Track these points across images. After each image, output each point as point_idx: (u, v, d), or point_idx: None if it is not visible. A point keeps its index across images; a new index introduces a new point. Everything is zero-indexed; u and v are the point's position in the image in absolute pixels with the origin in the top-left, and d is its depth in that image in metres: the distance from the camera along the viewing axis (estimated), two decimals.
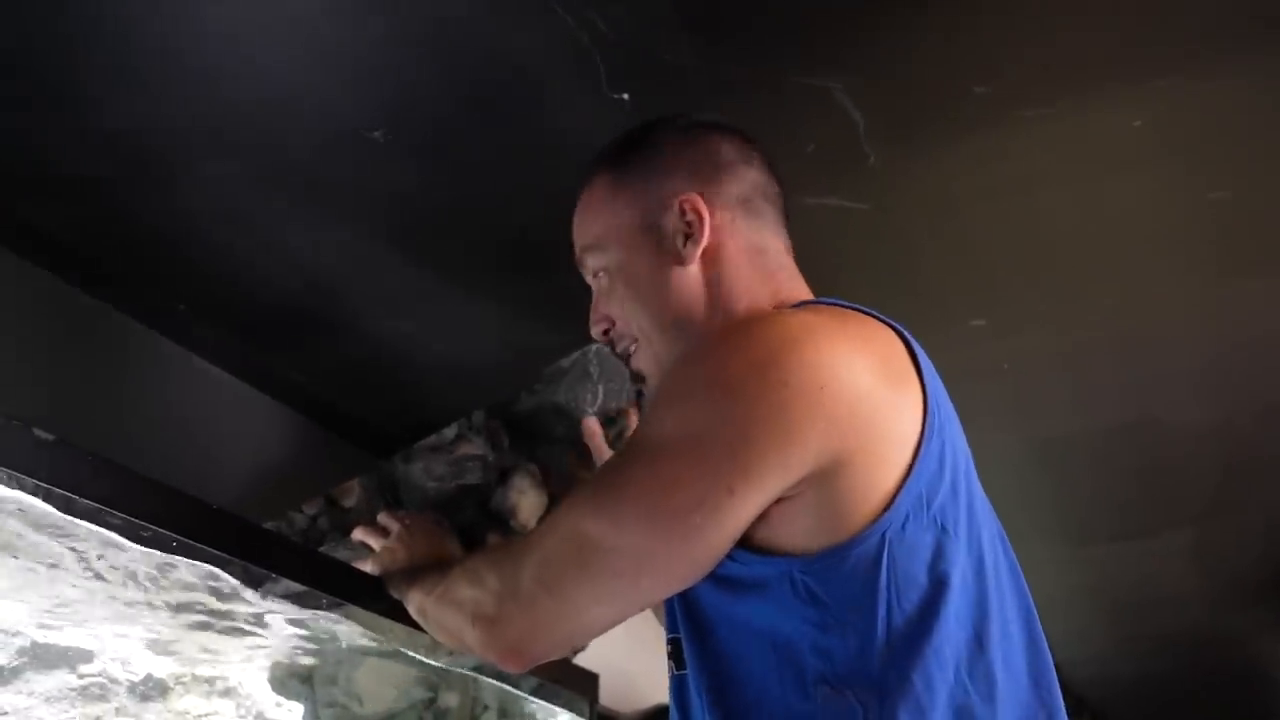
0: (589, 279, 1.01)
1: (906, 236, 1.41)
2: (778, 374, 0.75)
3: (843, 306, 0.88)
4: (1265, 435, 2.05)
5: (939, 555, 0.77)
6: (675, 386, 0.81)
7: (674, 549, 0.76)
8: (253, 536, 0.99)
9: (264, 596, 1.01)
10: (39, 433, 0.79)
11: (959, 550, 0.79)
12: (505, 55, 1.08)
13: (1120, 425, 1.98)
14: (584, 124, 1.17)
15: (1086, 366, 1.77)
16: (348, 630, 1.12)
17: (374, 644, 1.18)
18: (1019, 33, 1.10)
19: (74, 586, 0.94)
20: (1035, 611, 0.89)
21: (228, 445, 1.54)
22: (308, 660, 1.26)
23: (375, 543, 1.10)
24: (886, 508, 0.76)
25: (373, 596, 1.06)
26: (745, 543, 0.79)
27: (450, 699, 1.42)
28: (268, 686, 1.27)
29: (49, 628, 1.04)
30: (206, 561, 0.93)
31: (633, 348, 0.97)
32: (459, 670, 1.31)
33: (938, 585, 0.76)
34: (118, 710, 1.10)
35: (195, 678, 1.19)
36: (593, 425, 1.15)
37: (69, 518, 0.81)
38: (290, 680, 1.28)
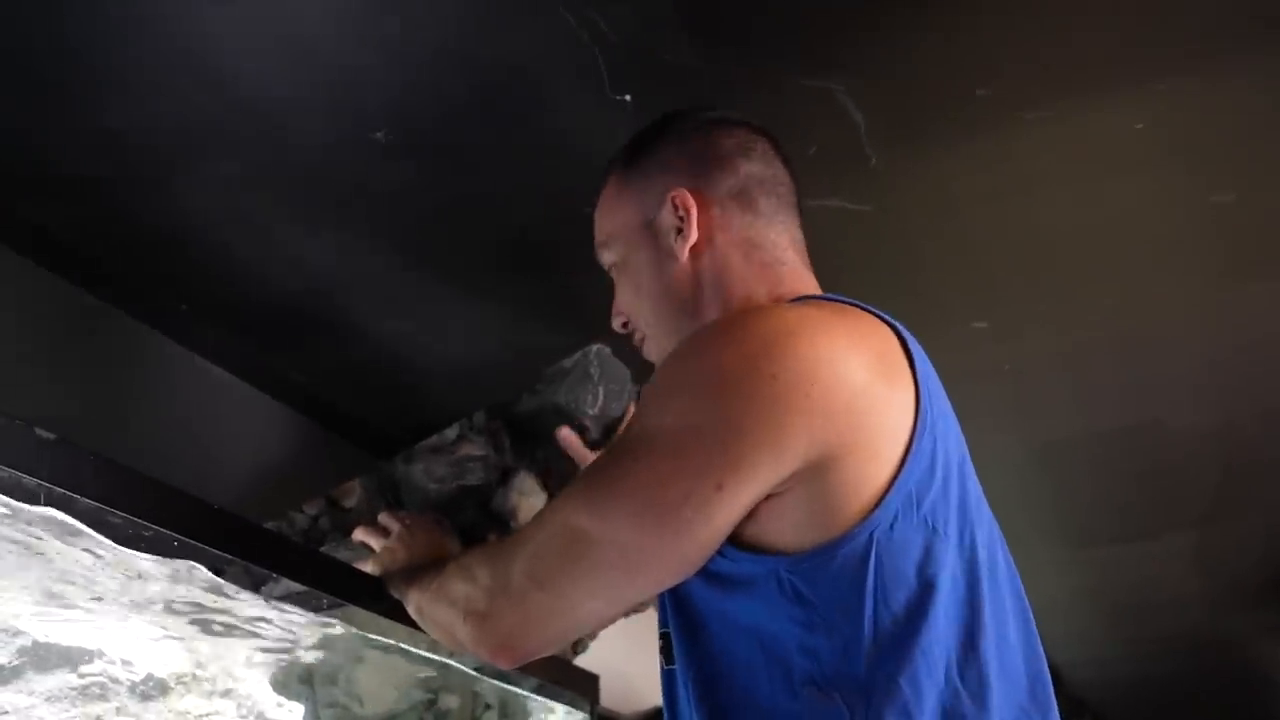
0: (608, 272, 1.02)
1: (908, 238, 1.41)
2: (769, 368, 0.75)
3: (840, 301, 0.87)
4: (1266, 438, 2.05)
5: (928, 556, 0.77)
6: (666, 381, 0.81)
7: (664, 543, 0.76)
8: (253, 536, 0.99)
9: (265, 596, 1.01)
10: (40, 432, 0.79)
11: (949, 551, 0.78)
12: (507, 57, 1.08)
13: (1121, 427, 1.98)
14: (586, 125, 1.17)
15: (1087, 368, 1.77)
16: (348, 630, 1.12)
17: (375, 644, 1.18)
18: (1020, 34, 1.10)
19: (75, 586, 0.94)
20: (1031, 613, 0.88)
21: (228, 445, 1.54)
22: (308, 660, 1.26)
23: (376, 543, 1.10)
24: (875, 506, 0.75)
25: (373, 597, 1.06)
26: (734, 539, 0.78)
27: (451, 699, 1.42)
28: (268, 687, 1.27)
29: (50, 627, 1.03)
30: (207, 561, 0.93)
31: (643, 343, 0.98)
32: (460, 670, 1.31)
33: (926, 586, 0.76)
34: (118, 710, 1.09)
35: (196, 677, 1.18)
36: (566, 434, 1.15)
37: (70, 518, 0.81)
38: (291, 680, 1.28)
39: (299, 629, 1.11)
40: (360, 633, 1.13)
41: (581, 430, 1.18)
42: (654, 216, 0.94)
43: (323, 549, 1.21)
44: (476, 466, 1.25)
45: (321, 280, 1.42)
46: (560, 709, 1.49)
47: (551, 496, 1.31)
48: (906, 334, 0.84)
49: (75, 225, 1.28)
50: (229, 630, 1.09)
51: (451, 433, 1.28)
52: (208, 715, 1.19)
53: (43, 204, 1.25)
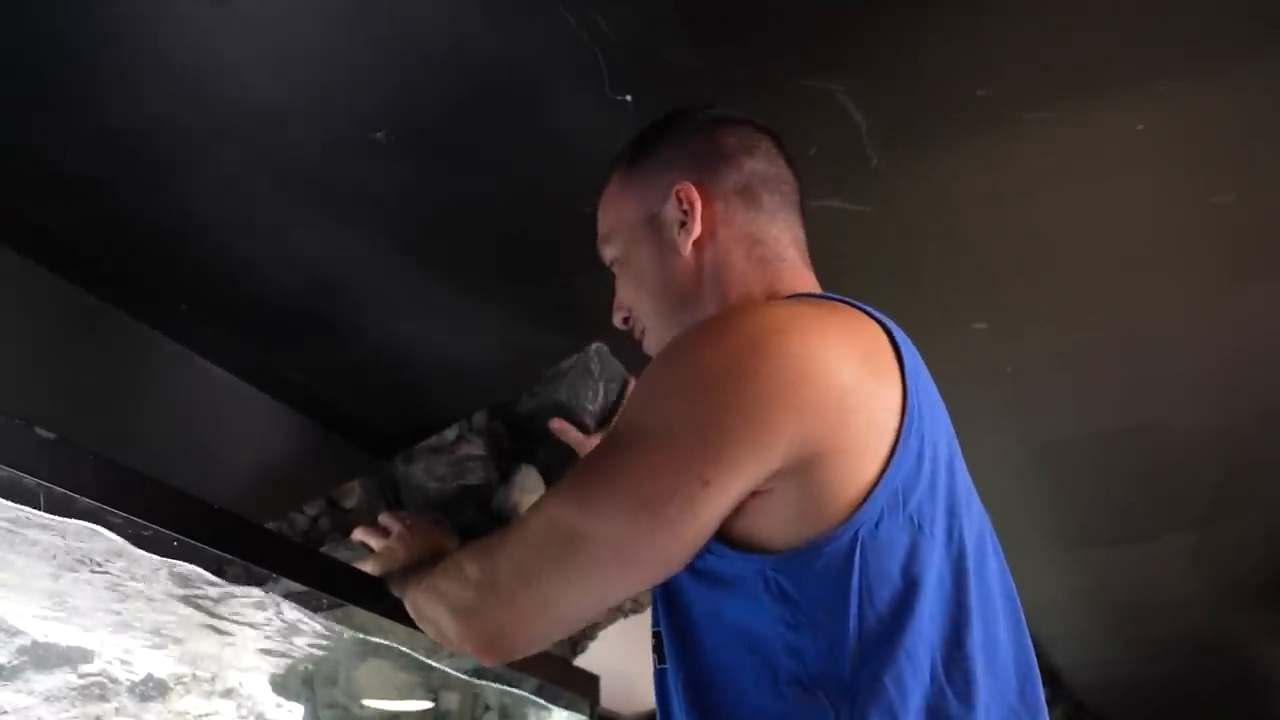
0: (609, 267, 1.02)
1: (908, 239, 1.41)
2: (754, 365, 0.75)
3: (831, 299, 0.88)
4: (1266, 439, 2.05)
5: (913, 554, 0.76)
6: (655, 378, 0.81)
7: (651, 539, 0.76)
8: (254, 536, 0.99)
9: (265, 596, 1.01)
10: (40, 431, 0.79)
11: (935, 549, 0.78)
12: (508, 56, 1.08)
13: (1122, 429, 1.98)
14: (586, 125, 1.17)
15: (1088, 369, 1.77)
16: (348, 631, 1.12)
17: (375, 645, 1.18)
18: (1020, 35, 1.10)
19: (75, 586, 0.94)
20: (1023, 614, 0.88)
21: (228, 445, 1.54)
22: (308, 661, 1.26)
23: (375, 543, 1.10)
24: (861, 504, 0.75)
25: (374, 597, 1.06)
26: (723, 538, 0.78)
27: (451, 700, 1.42)
28: (268, 687, 1.27)
29: (50, 627, 1.03)
30: (207, 561, 0.92)
31: (645, 337, 0.98)
32: (459, 673, 1.31)
33: (911, 585, 0.76)
34: (118, 710, 1.09)
35: (196, 678, 1.18)
36: (559, 424, 1.16)
37: (69, 518, 0.81)
38: (291, 681, 1.27)
39: (299, 629, 1.11)
40: (361, 633, 1.13)
41: (582, 427, 1.18)
42: (658, 210, 0.95)
43: (323, 549, 1.20)
44: (476, 466, 1.25)
45: (321, 280, 1.42)
46: (560, 711, 1.49)
47: None
48: (896, 331, 0.84)
49: (75, 225, 1.28)
50: (229, 631, 1.08)
51: (451, 434, 1.28)
52: (207, 716, 1.19)
53: (43, 204, 1.24)
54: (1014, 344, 1.67)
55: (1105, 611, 3.20)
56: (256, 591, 1.00)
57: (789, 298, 0.89)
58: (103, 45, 1.03)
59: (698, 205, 0.93)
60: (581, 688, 1.49)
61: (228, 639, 1.11)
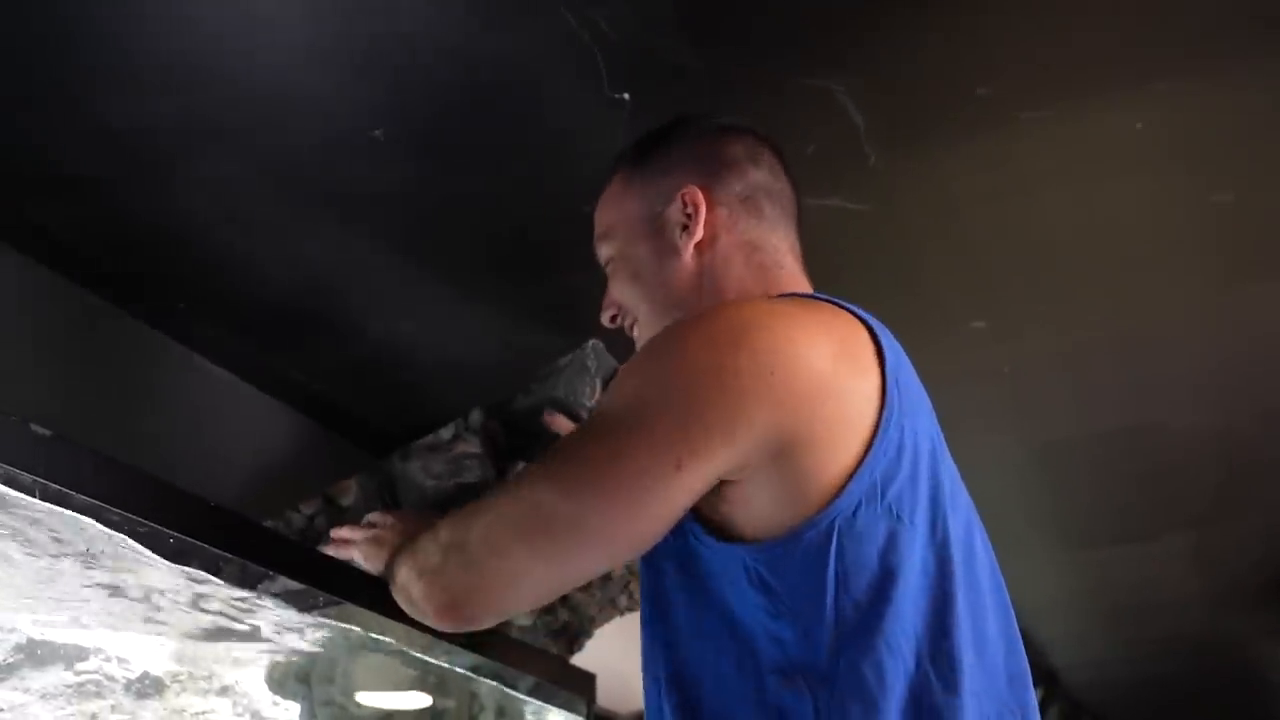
0: (603, 267, 1.03)
1: (907, 238, 1.41)
2: (732, 354, 0.77)
3: (817, 298, 0.89)
4: (1266, 439, 2.05)
5: (891, 544, 0.78)
6: (636, 366, 0.83)
7: (621, 518, 0.76)
8: (251, 534, 0.99)
9: (261, 594, 1.01)
10: (36, 428, 0.79)
11: (915, 540, 0.79)
12: (506, 54, 1.08)
13: (1121, 428, 1.98)
14: (585, 124, 1.17)
15: (1087, 369, 1.76)
16: (344, 629, 1.12)
17: (371, 643, 1.18)
18: (1020, 34, 1.10)
19: (71, 583, 0.94)
20: (1013, 612, 0.89)
21: (227, 443, 1.54)
22: (305, 659, 1.26)
23: (359, 534, 1.09)
24: (838, 494, 0.76)
25: (370, 595, 1.06)
26: (705, 527, 0.80)
27: (447, 698, 1.42)
28: (264, 685, 1.27)
29: (45, 625, 1.03)
30: (204, 559, 0.92)
31: (635, 330, 0.99)
32: (456, 670, 1.31)
33: (889, 574, 0.77)
34: (114, 708, 1.09)
35: (192, 676, 1.18)
36: (553, 416, 1.18)
37: (65, 513, 0.81)
38: (287, 679, 1.27)
39: (295, 627, 1.11)
40: (357, 631, 1.13)
41: (579, 423, 1.18)
42: (660, 210, 0.96)
43: (319, 548, 1.20)
44: (473, 464, 1.25)
45: (320, 279, 1.42)
46: (557, 710, 1.49)
47: None
48: (878, 327, 0.86)
49: (75, 224, 1.28)
50: (226, 629, 1.08)
51: (447, 432, 1.28)
52: (203, 713, 1.19)
53: (43, 203, 1.25)
54: (1013, 343, 1.67)
55: (1104, 611, 3.20)
56: (253, 590, 1.00)
57: (775, 297, 0.91)
58: (103, 45, 1.03)
59: (702, 209, 0.94)
60: (578, 686, 1.49)
61: (224, 637, 1.11)
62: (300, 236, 1.33)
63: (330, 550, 1.10)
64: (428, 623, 0.83)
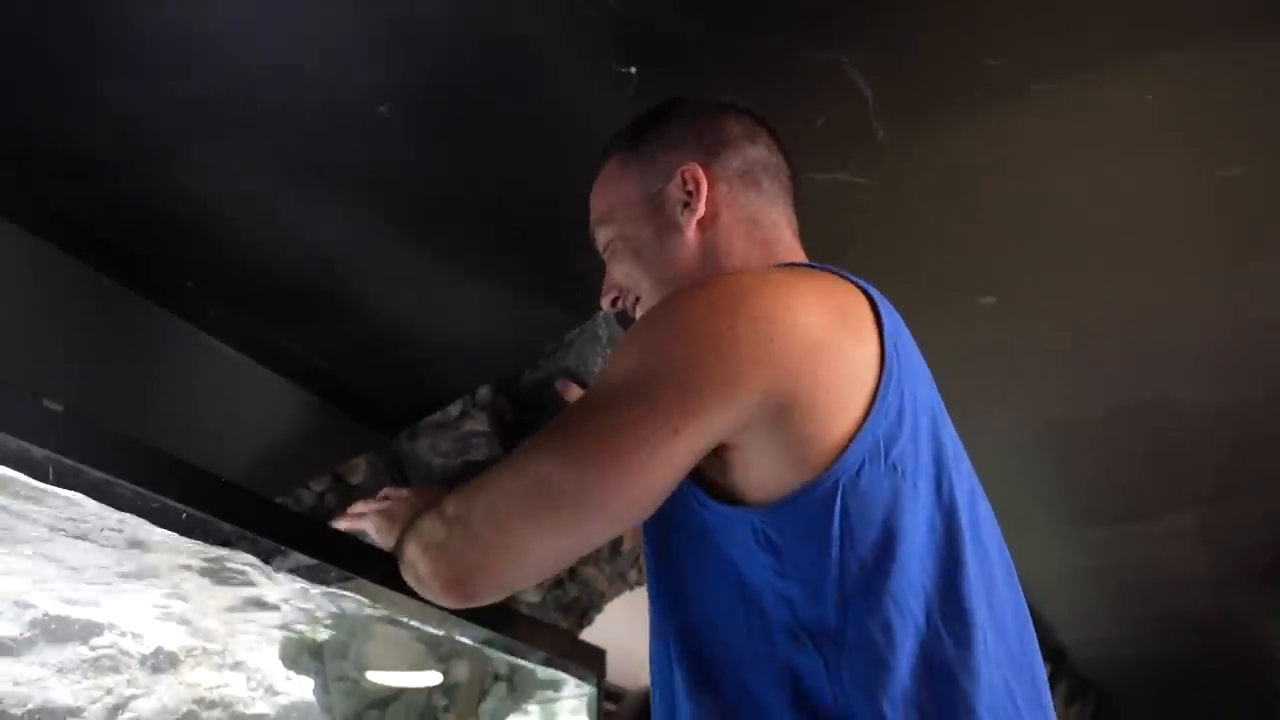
0: (601, 252, 1.03)
1: (915, 212, 1.40)
2: (729, 319, 0.78)
3: (815, 267, 0.90)
4: (1272, 417, 2.04)
5: (896, 502, 0.78)
6: (635, 335, 0.84)
7: (619, 490, 0.77)
8: (263, 510, 1.00)
9: (274, 570, 1.02)
10: (48, 404, 0.79)
11: (920, 499, 0.80)
12: (512, 29, 1.07)
13: (1127, 405, 1.98)
14: (591, 98, 1.16)
15: (1094, 345, 1.76)
16: (357, 604, 1.13)
17: (384, 617, 1.19)
18: (1029, 5, 1.09)
19: (85, 559, 0.95)
20: (1017, 577, 0.90)
21: (235, 421, 1.54)
22: (318, 634, 1.27)
23: (371, 507, 1.09)
24: (841, 454, 0.77)
25: (382, 570, 1.07)
26: (711, 491, 0.81)
27: (460, 672, 1.43)
28: (278, 660, 1.28)
29: (61, 601, 1.04)
30: (217, 534, 0.93)
31: (637, 310, 1.00)
32: (469, 643, 1.32)
33: (894, 532, 0.77)
34: (129, 682, 1.10)
35: (206, 650, 1.19)
36: (565, 385, 1.19)
37: (76, 490, 0.82)
38: (301, 654, 1.28)
39: (309, 602, 1.12)
40: (370, 605, 1.13)
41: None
42: (659, 189, 0.96)
43: (331, 523, 1.21)
44: (481, 442, 1.25)
45: (328, 257, 1.42)
46: (569, 681, 1.50)
47: None
48: (876, 294, 0.86)
49: (83, 204, 1.28)
50: (239, 603, 1.09)
51: (455, 409, 1.28)
52: (217, 688, 1.20)
53: (51, 183, 1.24)
54: (1021, 320, 1.66)
55: (1109, 589, 3.21)
56: (265, 565, 1.00)
57: (774, 266, 0.92)
58: (109, 26, 1.02)
59: (703, 185, 0.95)
60: (589, 661, 1.50)
61: (238, 612, 1.12)
62: (308, 215, 1.33)
63: (343, 524, 1.10)
64: (434, 599, 0.84)
